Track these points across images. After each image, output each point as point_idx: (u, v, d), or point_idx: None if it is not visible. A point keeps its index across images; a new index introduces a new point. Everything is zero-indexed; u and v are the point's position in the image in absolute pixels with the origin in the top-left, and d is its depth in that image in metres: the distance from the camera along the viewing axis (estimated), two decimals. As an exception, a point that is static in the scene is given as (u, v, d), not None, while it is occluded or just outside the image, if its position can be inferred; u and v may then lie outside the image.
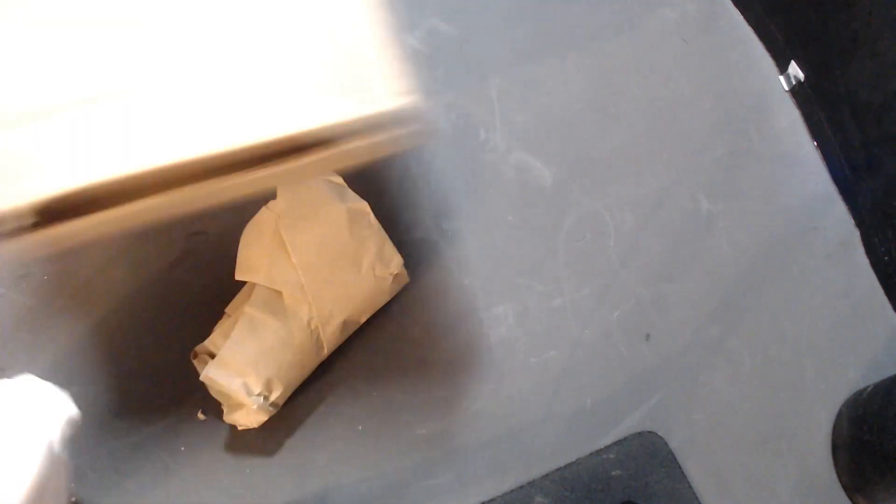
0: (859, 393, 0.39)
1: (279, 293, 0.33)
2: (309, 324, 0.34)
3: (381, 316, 0.40)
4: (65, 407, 0.33)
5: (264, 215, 0.36)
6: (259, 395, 0.34)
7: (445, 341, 0.40)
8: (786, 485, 0.38)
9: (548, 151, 0.45)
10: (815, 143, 0.47)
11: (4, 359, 0.38)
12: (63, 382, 0.38)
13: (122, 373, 0.38)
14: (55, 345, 0.39)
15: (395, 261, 0.37)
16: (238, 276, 0.34)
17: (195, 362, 0.35)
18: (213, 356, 0.35)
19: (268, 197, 0.40)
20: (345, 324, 0.36)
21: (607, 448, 0.38)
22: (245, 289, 0.36)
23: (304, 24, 0.26)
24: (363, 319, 0.37)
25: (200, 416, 0.37)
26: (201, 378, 0.33)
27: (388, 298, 0.39)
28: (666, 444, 0.38)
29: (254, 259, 0.35)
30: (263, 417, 0.35)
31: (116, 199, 0.26)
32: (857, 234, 0.44)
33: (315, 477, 0.36)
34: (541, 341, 0.40)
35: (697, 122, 0.47)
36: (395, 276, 0.37)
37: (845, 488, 0.38)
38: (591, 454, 0.37)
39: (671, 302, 0.42)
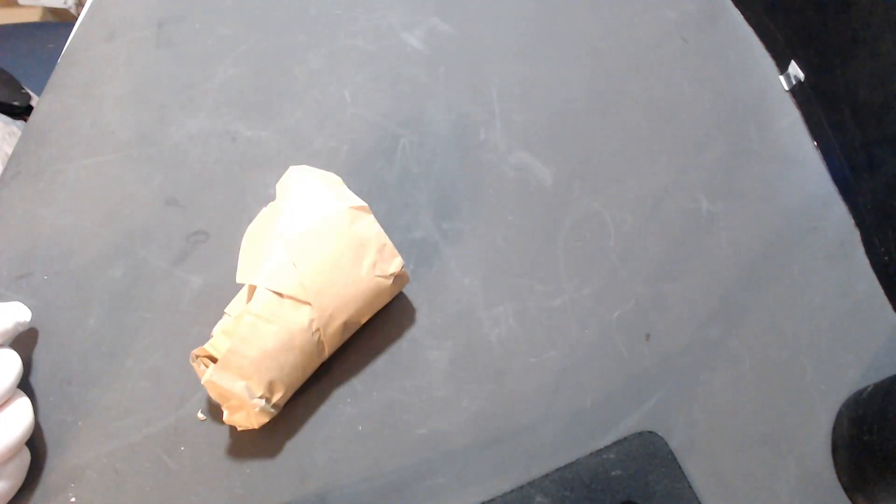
0: (859, 393, 0.39)
1: (280, 295, 0.33)
2: (310, 325, 0.34)
3: (382, 316, 0.40)
4: (15, 307, 0.36)
5: (265, 217, 0.36)
6: (261, 397, 0.34)
7: (445, 341, 0.40)
8: (786, 485, 0.38)
9: (548, 151, 0.45)
10: (815, 143, 0.47)
11: (4, 359, 0.38)
12: (63, 382, 0.39)
13: (122, 373, 0.38)
14: (55, 345, 0.39)
15: (396, 261, 0.37)
16: (239, 279, 0.34)
17: (194, 365, 0.35)
18: (212, 359, 0.35)
19: (268, 199, 0.40)
20: (346, 325, 0.36)
21: (607, 448, 0.38)
22: (246, 289, 0.36)
23: None
24: (364, 320, 0.37)
25: (200, 416, 0.37)
26: (203, 382, 0.33)
27: (389, 299, 0.39)
28: (666, 444, 0.38)
29: (254, 261, 0.34)
30: (265, 419, 0.35)
31: None
32: (857, 234, 0.44)
33: (315, 477, 0.36)
34: (541, 341, 0.40)
35: (697, 122, 0.47)
36: (396, 277, 0.37)
37: (845, 488, 0.38)
38: (591, 454, 0.37)
39: (671, 302, 0.42)
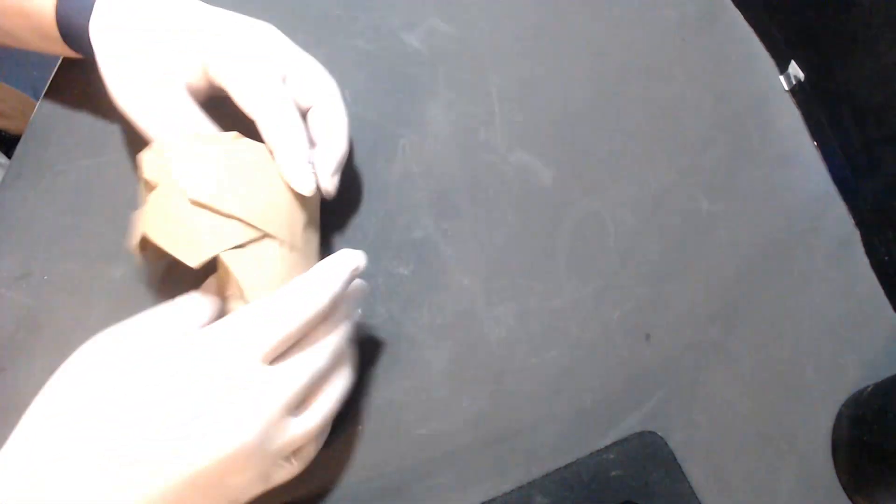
0: (859, 393, 0.39)
1: (241, 247, 0.31)
2: (287, 245, 0.32)
3: (381, 316, 0.40)
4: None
5: (157, 201, 0.32)
6: None
7: (445, 341, 0.40)
8: (786, 485, 0.38)
9: (548, 151, 0.45)
10: (815, 143, 0.47)
11: (5, 359, 0.38)
12: (63, 382, 0.38)
13: (123, 373, 0.38)
14: (55, 345, 0.39)
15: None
16: (191, 261, 0.31)
17: None
18: None
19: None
20: (308, 224, 0.34)
21: (607, 448, 0.38)
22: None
23: None
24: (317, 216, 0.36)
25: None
26: None
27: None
28: (666, 444, 0.38)
29: (184, 237, 0.31)
30: None
31: None
32: (857, 234, 0.44)
33: (315, 477, 0.36)
34: (541, 341, 0.40)
35: (697, 122, 0.47)
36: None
37: (845, 488, 0.38)
38: (591, 454, 0.37)
39: (671, 302, 0.42)
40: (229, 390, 0.28)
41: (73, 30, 0.36)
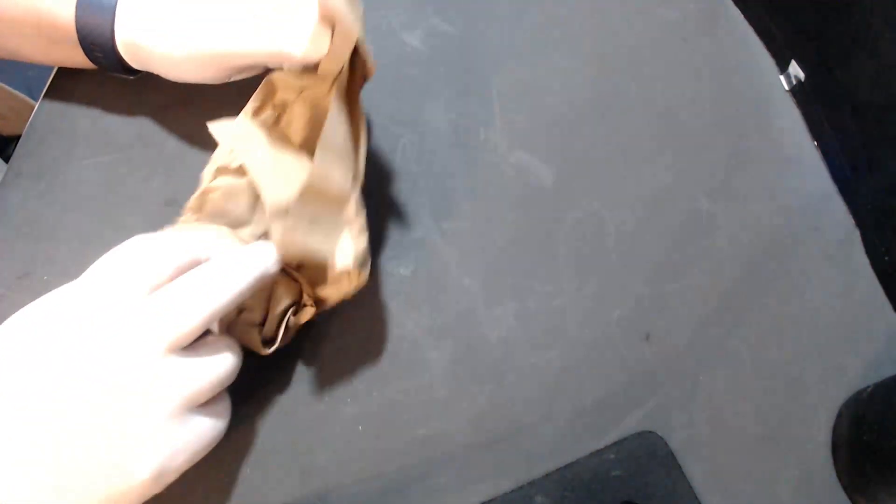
0: (859, 393, 0.39)
1: None
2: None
3: (381, 316, 0.40)
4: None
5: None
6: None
7: (445, 341, 0.40)
8: (786, 485, 0.38)
9: (548, 151, 0.45)
10: (815, 143, 0.47)
11: (4, 359, 0.38)
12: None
13: (123, 373, 0.38)
14: (55, 345, 0.39)
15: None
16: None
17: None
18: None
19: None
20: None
21: (607, 448, 0.38)
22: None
23: None
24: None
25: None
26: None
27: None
28: (666, 444, 0.38)
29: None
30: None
31: None
32: (857, 234, 0.44)
33: (315, 477, 0.36)
34: (541, 341, 0.40)
35: (697, 122, 0.47)
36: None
37: (845, 488, 0.38)
38: (591, 454, 0.37)
39: (671, 302, 0.42)
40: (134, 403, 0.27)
41: (91, 27, 0.37)
